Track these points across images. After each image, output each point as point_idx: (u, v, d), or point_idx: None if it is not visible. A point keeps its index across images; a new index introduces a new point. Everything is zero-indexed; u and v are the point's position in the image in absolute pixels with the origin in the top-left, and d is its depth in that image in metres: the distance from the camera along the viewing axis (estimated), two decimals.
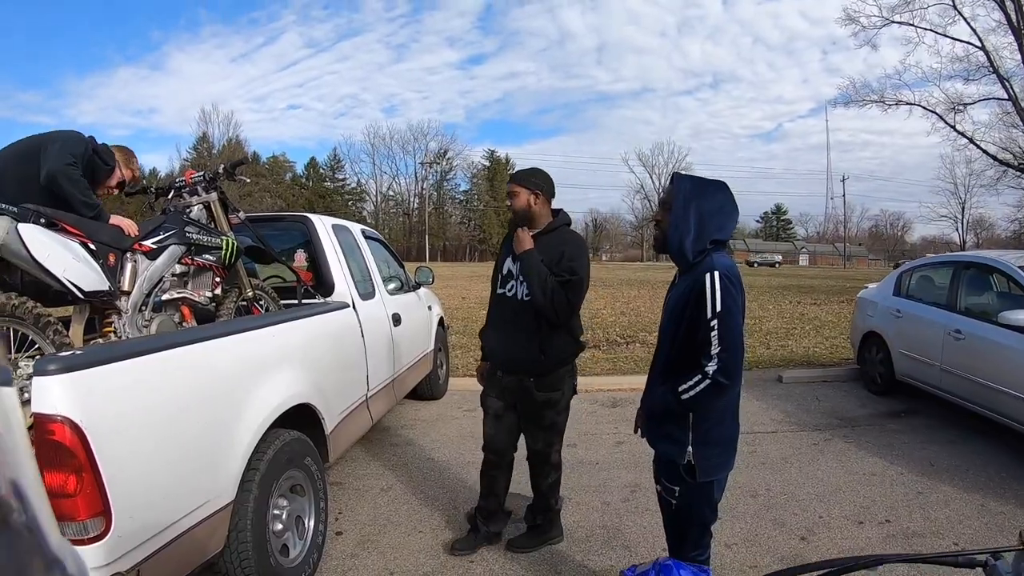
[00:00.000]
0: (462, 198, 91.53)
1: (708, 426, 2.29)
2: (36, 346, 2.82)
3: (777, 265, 68.45)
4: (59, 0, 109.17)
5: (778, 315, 13.98)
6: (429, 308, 6.33)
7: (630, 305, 16.55)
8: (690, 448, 2.28)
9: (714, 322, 2.15)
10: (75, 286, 2.85)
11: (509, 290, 3.32)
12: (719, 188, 2.34)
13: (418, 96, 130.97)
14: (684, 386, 2.20)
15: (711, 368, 2.14)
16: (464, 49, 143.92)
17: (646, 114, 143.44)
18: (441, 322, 7.05)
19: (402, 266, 6.18)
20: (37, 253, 2.69)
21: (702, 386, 2.16)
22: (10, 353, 2.75)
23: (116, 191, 3.63)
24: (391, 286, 5.37)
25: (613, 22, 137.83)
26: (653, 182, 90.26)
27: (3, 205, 2.71)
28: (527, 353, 3.24)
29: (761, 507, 4.06)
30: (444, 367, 7.21)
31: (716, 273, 2.17)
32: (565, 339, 3.32)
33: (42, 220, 2.80)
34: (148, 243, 3.27)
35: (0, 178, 3.08)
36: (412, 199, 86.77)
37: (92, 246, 2.99)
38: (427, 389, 6.62)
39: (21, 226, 2.68)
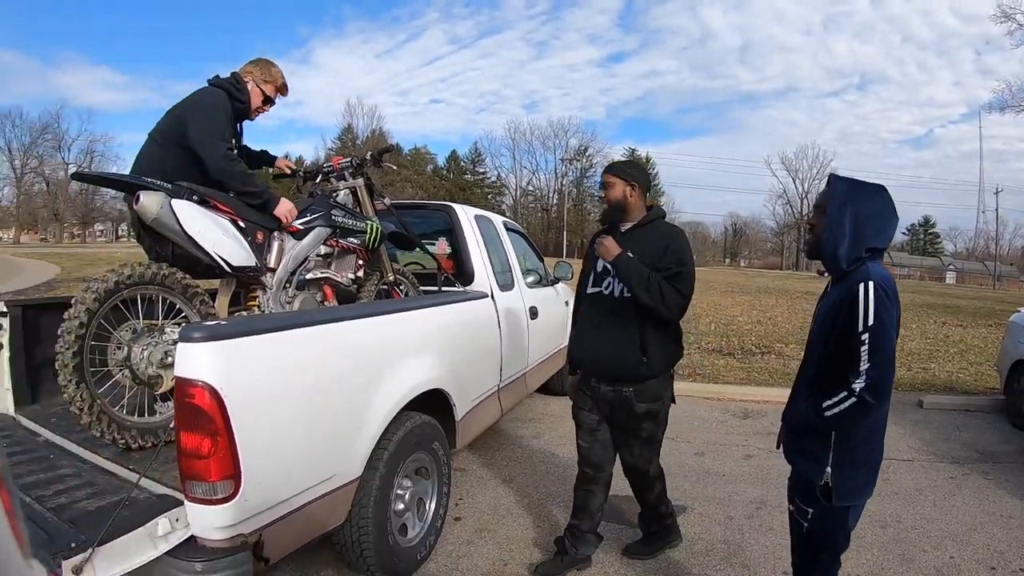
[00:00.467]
0: (601, 195, 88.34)
1: (852, 446, 2.15)
2: (183, 314, 3.04)
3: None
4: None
5: (921, 335, 12.68)
6: (566, 303, 6.25)
7: (767, 314, 15.73)
8: (829, 469, 2.16)
9: (865, 336, 2.01)
10: (224, 260, 3.00)
11: (605, 287, 3.12)
12: (878, 191, 2.19)
13: (559, 93, 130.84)
14: (828, 402, 2.08)
15: (858, 385, 2.01)
16: (605, 47, 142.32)
17: (791, 115, 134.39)
18: None
19: (541, 260, 6.14)
20: (189, 228, 2.86)
21: (847, 404, 2.03)
22: (158, 319, 2.97)
23: (267, 108, 3.62)
24: (530, 279, 5.34)
25: (757, 20, 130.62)
26: (796, 187, 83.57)
27: (158, 182, 2.88)
28: (628, 357, 3.02)
29: (890, 539, 3.72)
30: None
31: (871, 283, 2.04)
32: (669, 343, 3.10)
33: (195, 197, 2.96)
34: (296, 223, 3.38)
35: (153, 158, 3.24)
36: (551, 195, 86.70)
37: (242, 224, 3.14)
38: (558, 384, 6.54)
39: (175, 202, 2.84)
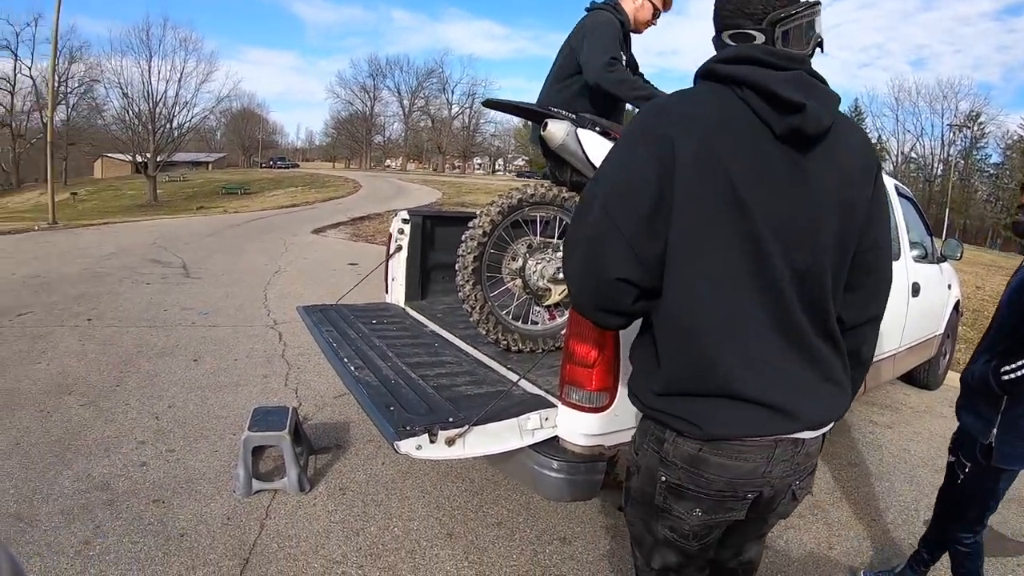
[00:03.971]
0: (992, 172, 75.21)
1: (1019, 413, 2.24)
2: None
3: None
4: None
5: None
6: (949, 287, 5.47)
7: None
8: (995, 430, 2.26)
9: None
10: None
11: None
12: None
13: (949, 49, 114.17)
14: (1009, 367, 2.15)
15: None
16: None
17: None
18: (956, 305, 6.02)
19: (931, 233, 5.41)
20: (592, 155, 2.94)
21: None
22: (555, 238, 3.18)
23: (655, 21, 3.60)
24: (915, 252, 4.70)
25: None
26: None
27: (564, 112, 3.01)
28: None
29: None
30: (947, 356, 6.21)
31: None
32: None
33: (597, 128, 3.03)
34: None
35: (550, 92, 3.49)
36: (936, 164, 76.54)
37: None
38: (923, 375, 5.85)
39: (580, 131, 2.94)
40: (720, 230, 1.26)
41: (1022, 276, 2.29)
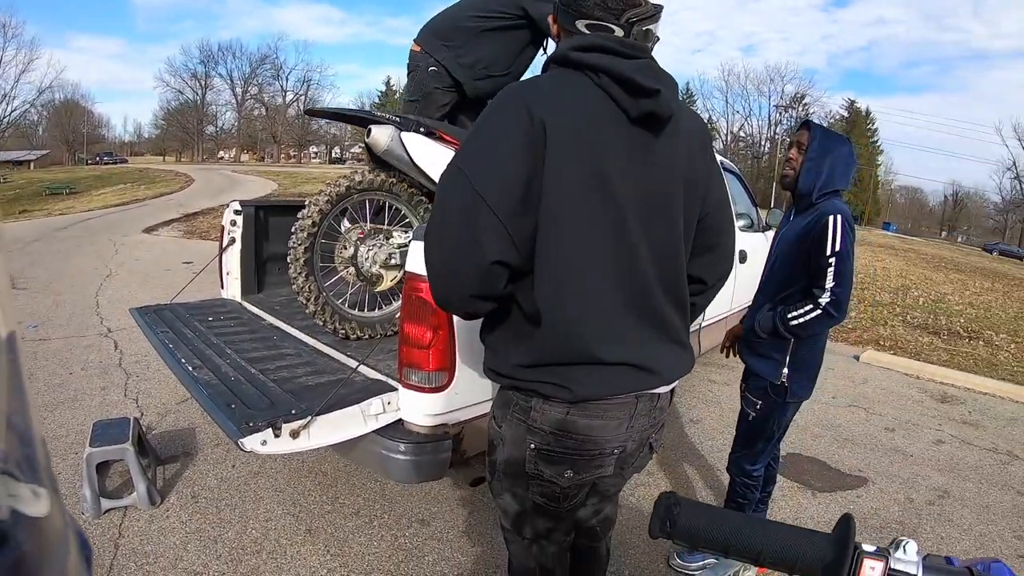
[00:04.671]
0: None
1: (803, 353, 2.53)
2: (407, 220, 3.23)
3: None
4: None
5: None
6: None
7: (981, 297, 14.09)
8: (785, 370, 2.54)
9: (832, 259, 2.33)
10: None
11: None
12: (847, 141, 2.58)
13: (778, 37, 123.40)
14: (794, 313, 2.41)
15: (824, 299, 2.35)
16: None
17: None
18: None
19: (755, 204, 5.84)
20: (417, 157, 2.97)
21: (812, 315, 2.37)
22: (385, 224, 3.19)
23: None
24: (741, 223, 5.08)
25: None
26: None
27: (387, 116, 3.02)
28: None
29: None
30: None
31: (839, 216, 2.36)
32: None
33: (422, 129, 3.05)
34: None
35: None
36: (763, 143, 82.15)
37: None
38: None
39: (404, 134, 2.96)
40: (586, 205, 1.34)
41: (795, 230, 2.51)
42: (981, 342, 8.83)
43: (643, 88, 1.33)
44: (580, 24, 1.43)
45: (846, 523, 0.72)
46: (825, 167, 2.48)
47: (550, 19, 1.54)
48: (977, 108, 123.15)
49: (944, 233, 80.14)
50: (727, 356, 3.02)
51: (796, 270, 2.49)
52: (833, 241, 2.34)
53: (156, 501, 3.09)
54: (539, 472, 1.50)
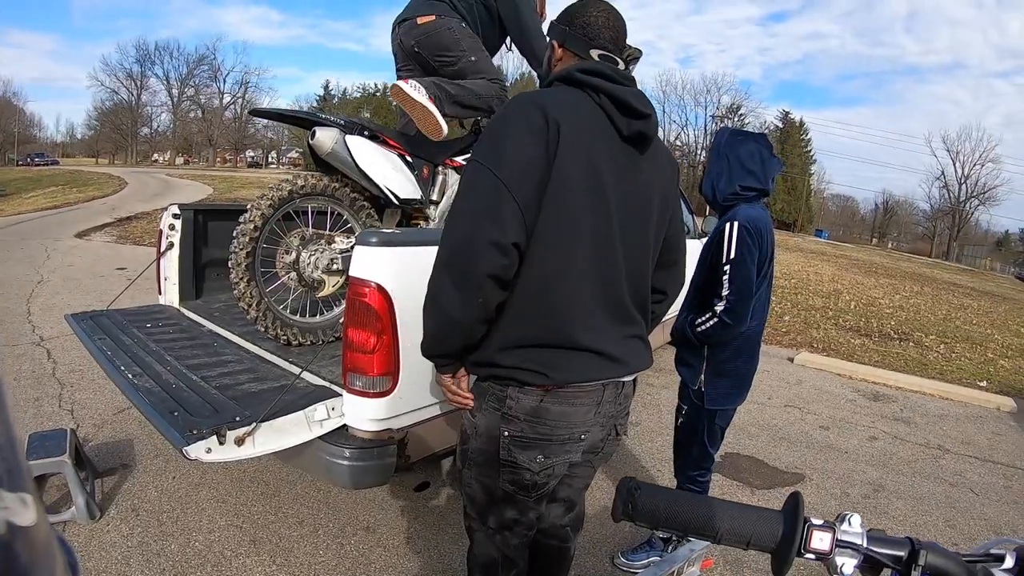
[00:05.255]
0: None
1: (721, 359, 2.56)
2: (348, 226, 3.23)
3: None
4: None
5: None
6: None
7: (910, 301, 14.66)
8: (702, 377, 2.59)
9: (727, 267, 2.37)
10: (391, 192, 3.12)
11: None
12: (755, 138, 2.56)
13: (715, 49, 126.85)
14: (699, 320, 2.49)
15: (719, 307, 2.41)
16: (766, 5, 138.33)
17: (956, 93, 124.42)
18: None
19: (692, 212, 5.99)
20: (361, 161, 2.98)
21: (711, 323, 2.44)
22: (326, 229, 3.19)
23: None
24: None
25: None
26: (956, 170, 73.86)
27: (332, 118, 3.03)
28: None
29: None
30: None
31: (736, 223, 2.37)
32: None
33: (366, 132, 3.07)
34: (458, 159, 3.46)
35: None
36: (699, 152, 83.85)
37: (409, 159, 3.24)
38: None
39: (348, 137, 2.97)
40: (584, 203, 1.50)
41: (710, 237, 2.56)
42: (911, 343, 9.17)
43: (636, 111, 1.55)
44: (593, 53, 1.65)
45: (795, 500, 0.82)
46: (723, 168, 2.52)
47: (554, 44, 1.73)
48: (908, 120, 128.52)
49: (875, 240, 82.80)
50: None
51: (705, 276, 2.55)
52: (728, 249, 2.37)
53: (96, 515, 3.02)
54: (512, 459, 1.62)
